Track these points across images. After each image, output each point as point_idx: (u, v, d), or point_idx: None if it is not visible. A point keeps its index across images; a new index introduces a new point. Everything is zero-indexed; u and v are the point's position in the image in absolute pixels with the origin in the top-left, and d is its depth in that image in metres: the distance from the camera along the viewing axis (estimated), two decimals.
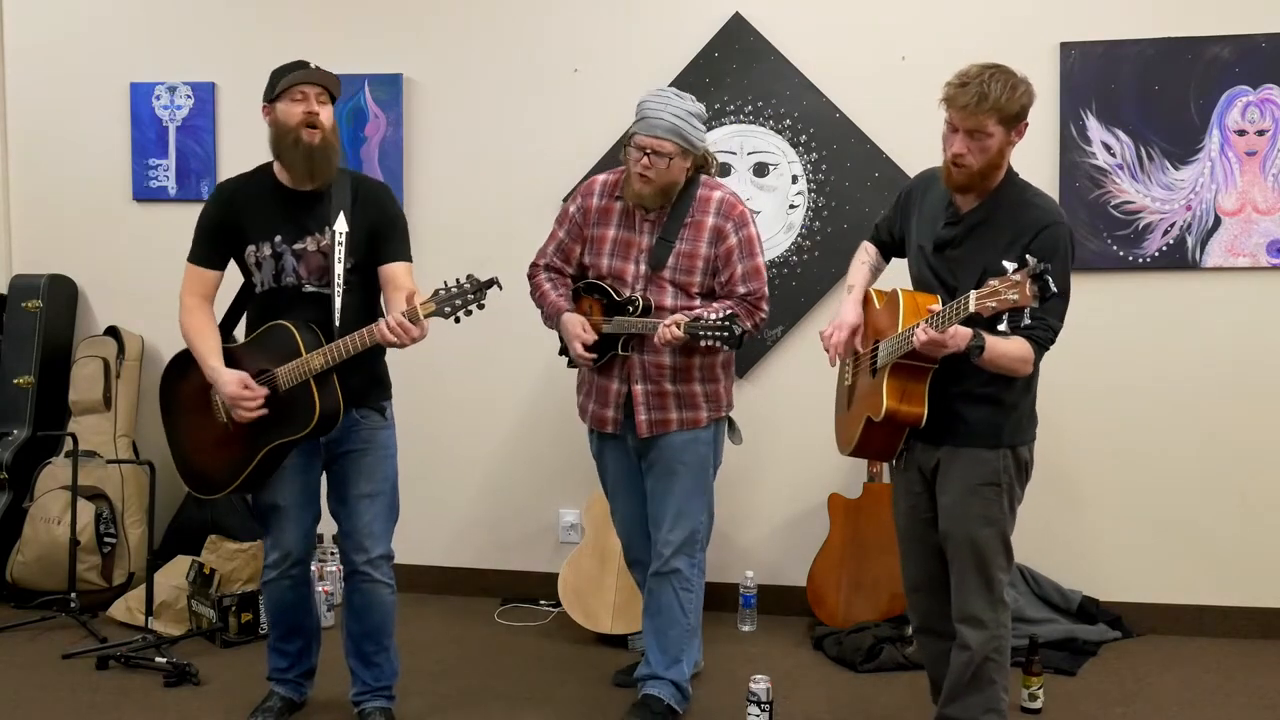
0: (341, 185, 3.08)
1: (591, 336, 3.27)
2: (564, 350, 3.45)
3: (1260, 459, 4.03)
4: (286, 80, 3.00)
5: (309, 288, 3.06)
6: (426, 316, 2.82)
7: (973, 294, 2.44)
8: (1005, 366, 2.60)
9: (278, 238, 3.06)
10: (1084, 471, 4.09)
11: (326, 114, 3.01)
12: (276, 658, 3.33)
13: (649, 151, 3.17)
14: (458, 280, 2.85)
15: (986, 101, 2.57)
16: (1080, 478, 4.10)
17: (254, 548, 4.10)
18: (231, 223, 3.10)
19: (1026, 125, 2.67)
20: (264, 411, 2.97)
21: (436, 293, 2.83)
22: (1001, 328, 2.47)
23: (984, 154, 2.63)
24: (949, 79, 2.65)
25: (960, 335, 2.52)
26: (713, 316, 3.04)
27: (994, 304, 2.39)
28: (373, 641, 3.24)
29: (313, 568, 4.24)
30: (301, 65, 3.03)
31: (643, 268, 3.28)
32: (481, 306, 2.85)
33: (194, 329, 3.09)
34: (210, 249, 3.14)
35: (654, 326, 3.13)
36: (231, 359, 3.07)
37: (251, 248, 3.08)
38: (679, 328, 3.06)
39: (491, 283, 2.84)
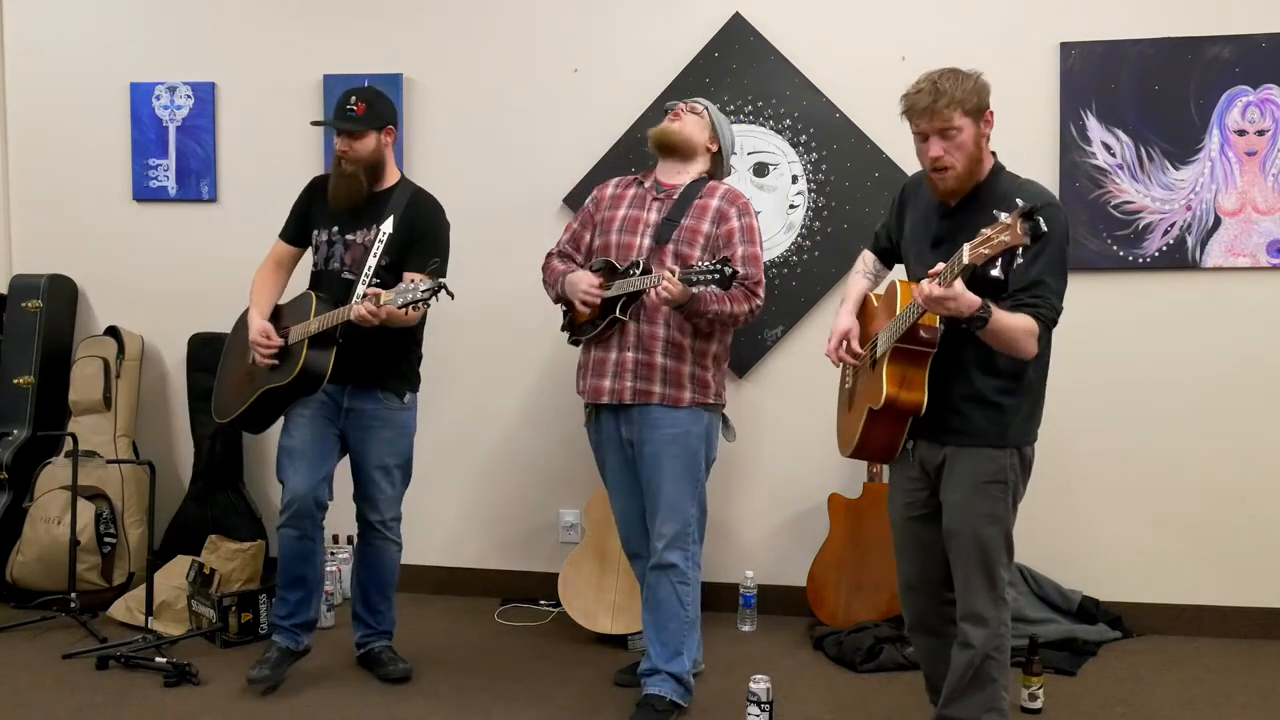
0: (402, 193, 3.54)
1: (596, 280, 3.36)
2: (566, 325, 3.50)
3: (1261, 459, 4.03)
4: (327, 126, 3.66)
5: (346, 275, 3.50)
6: (384, 303, 3.24)
7: (965, 245, 2.41)
8: (1009, 341, 2.57)
9: (335, 228, 3.54)
10: (1084, 471, 4.09)
11: (360, 145, 3.46)
12: (279, 604, 3.61)
13: (684, 106, 3.48)
14: (415, 280, 3.27)
15: (944, 97, 2.61)
16: (1080, 477, 4.10)
17: (254, 548, 4.10)
18: (309, 207, 3.62)
19: (993, 114, 2.69)
20: (275, 361, 3.46)
21: (400, 286, 3.26)
22: (995, 273, 2.41)
23: (961, 150, 2.65)
24: (902, 95, 2.68)
25: (965, 300, 2.46)
26: (704, 263, 3.11)
27: (986, 250, 2.37)
28: (379, 592, 3.69)
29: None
30: (343, 100, 3.50)
31: (648, 241, 3.35)
32: (428, 304, 3.28)
33: (256, 285, 3.63)
34: (291, 226, 3.67)
35: (654, 280, 3.15)
36: (276, 312, 3.59)
37: (316, 231, 3.58)
38: (674, 275, 3.09)
39: (440, 286, 3.21)
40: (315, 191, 3.62)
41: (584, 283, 3.35)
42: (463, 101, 4.44)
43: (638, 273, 3.26)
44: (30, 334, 4.58)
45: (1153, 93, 4.00)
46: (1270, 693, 3.57)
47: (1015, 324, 2.54)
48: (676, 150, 3.43)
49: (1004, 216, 2.37)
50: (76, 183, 4.71)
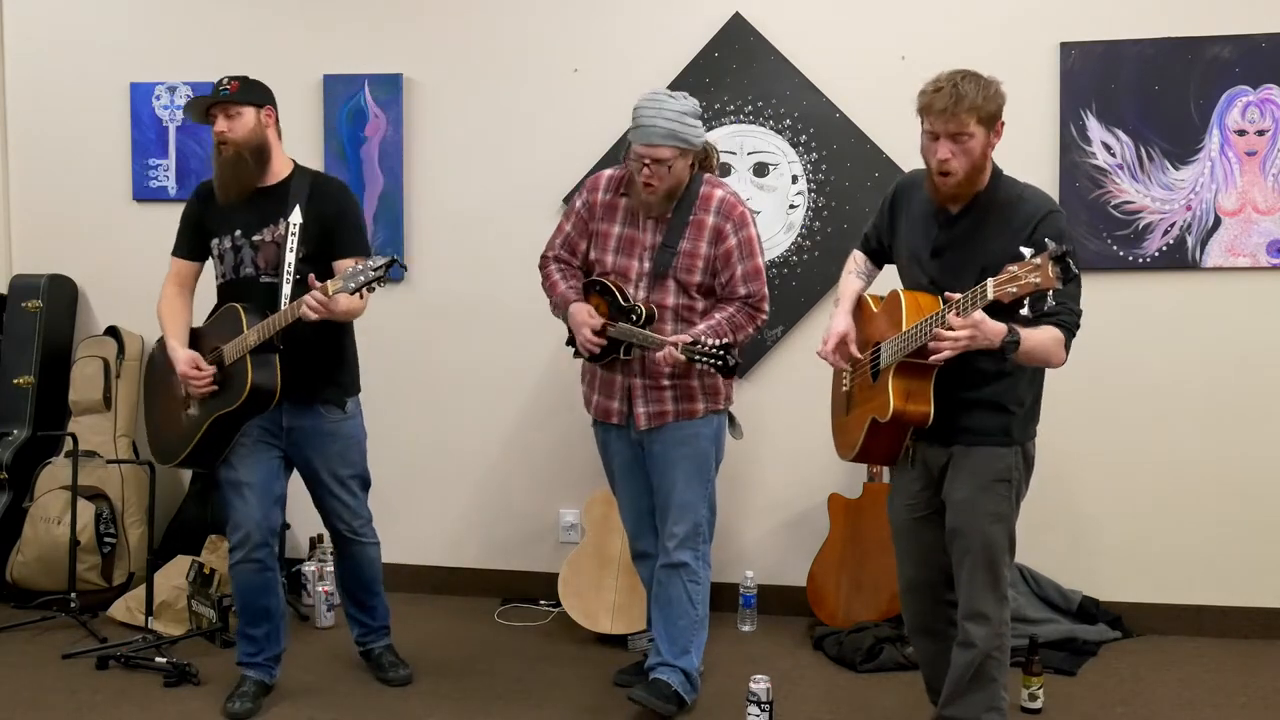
0: (301, 181, 3.35)
1: (598, 323, 3.30)
2: (571, 340, 3.46)
3: (1260, 458, 4.03)
4: (199, 107, 3.35)
5: (265, 278, 3.31)
6: (335, 293, 3.06)
7: (990, 281, 2.40)
8: (1041, 357, 2.58)
9: (238, 231, 3.33)
10: (1084, 471, 4.09)
11: (239, 124, 3.29)
12: (245, 643, 3.45)
13: (648, 161, 3.18)
14: (365, 261, 3.09)
15: (964, 102, 2.57)
16: (1080, 478, 4.10)
17: None
18: (202, 217, 3.41)
19: (1003, 125, 2.67)
20: (214, 387, 3.25)
21: (345, 271, 3.09)
22: (1024, 312, 2.43)
23: (968, 157, 2.63)
24: (922, 88, 2.65)
25: (992, 329, 2.47)
26: (710, 342, 3.08)
27: (1014, 289, 2.35)
28: (365, 590, 3.63)
29: (311, 568, 4.29)
30: (216, 84, 3.33)
31: (647, 265, 3.31)
32: (383, 283, 3.07)
33: (165, 313, 3.42)
34: (185, 240, 3.48)
35: (655, 343, 3.17)
36: (195, 338, 3.38)
37: (216, 240, 3.38)
38: (678, 349, 3.09)
39: (392, 263, 3.04)
40: (205, 198, 3.40)
41: (586, 326, 3.30)
42: (463, 101, 4.44)
43: (639, 320, 3.24)
44: (30, 334, 4.57)
45: (1153, 93, 3.99)
46: (1270, 693, 3.57)
47: (1044, 339, 2.55)
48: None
49: (1029, 254, 2.34)
50: (76, 183, 4.71)
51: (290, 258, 3.23)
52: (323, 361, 3.36)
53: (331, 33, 4.49)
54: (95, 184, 4.69)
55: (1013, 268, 2.37)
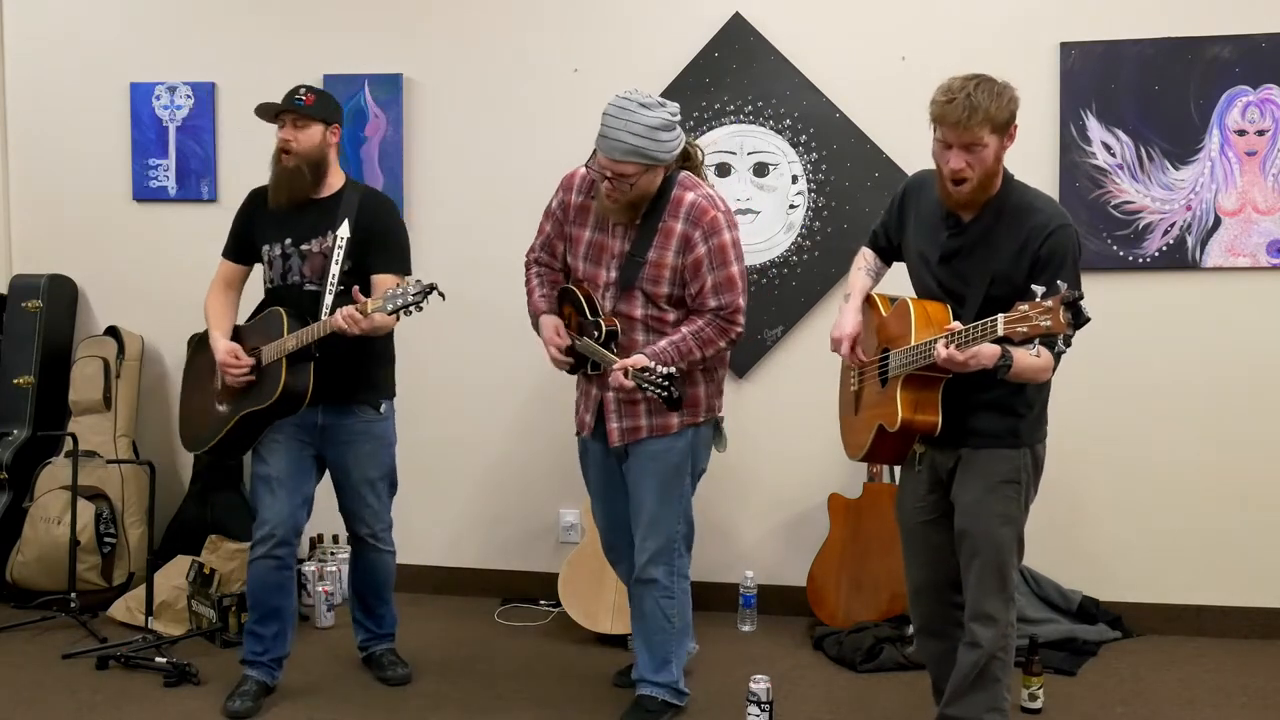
0: (351, 195, 3.42)
1: (565, 341, 3.25)
2: None
3: (1260, 458, 4.03)
4: (270, 110, 3.41)
5: (310, 286, 3.37)
6: (373, 311, 3.11)
7: (1001, 318, 2.40)
8: (1028, 377, 2.62)
9: (288, 240, 3.39)
10: (1084, 471, 4.09)
11: (305, 136, 3.35)
12: (252, 641, 3.46)
13: (609, 175, 3.03)
14: (404, 284, 3.12)
15: (978, 114, 2.55)
16: (1080, 478, 4.10)
17: None
18: (253, 223, 3.48)
19: (1016, 128, 2.65)
20: (250, 378, 3.31)
21: (385, 292, 3.13)
22: (1033, 350, 2.45)
23: (981, 165, 2.61)
24: (934, 95, 2.62)
25: (984, 355, 2.50)
26: (661, 370, 2.93)
27: (1025, 329, 2.35)
28: (376, 596, 3.67)
29: (311, 568, 4.29)
30: (292, 90, 3.39)
31: (613, 274, 3.19)
32: (420, 308, 3.11)
33: (210, 307, 3.50)
34: (235, 245, 3.54)
35: (610, 363, 3.06)
36: (237, 334, 3.45)
37: (266, 247, 3.43)
38: (627, 375, 2.98)
39: (431, 288, 3.10)
40: (257, 205, 3.48)
41: (552, 344, 3.25)
42: (463, 101, 4.44)
43: (599, 338, 3.14)
44: (30, 334, 4.57)
45: (1153, 93, 3.99)
46: (1270, 693, 3.57)
47: (1035, 364, 2.56)
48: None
49: (1042, 296, 2.34)
50: (76, 183, 4.71)
51: (335, 269, 3.31)
52: (360, 362, 3.39)
53: (331, 33, 4.49)
54: (95, 184, 4.70)
55: (1024, 307, 2.36)
